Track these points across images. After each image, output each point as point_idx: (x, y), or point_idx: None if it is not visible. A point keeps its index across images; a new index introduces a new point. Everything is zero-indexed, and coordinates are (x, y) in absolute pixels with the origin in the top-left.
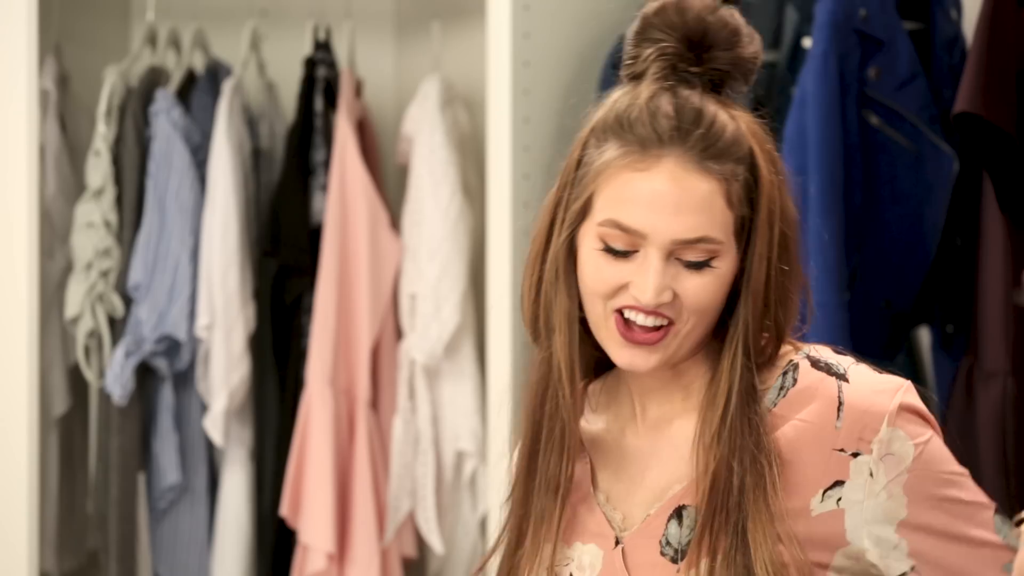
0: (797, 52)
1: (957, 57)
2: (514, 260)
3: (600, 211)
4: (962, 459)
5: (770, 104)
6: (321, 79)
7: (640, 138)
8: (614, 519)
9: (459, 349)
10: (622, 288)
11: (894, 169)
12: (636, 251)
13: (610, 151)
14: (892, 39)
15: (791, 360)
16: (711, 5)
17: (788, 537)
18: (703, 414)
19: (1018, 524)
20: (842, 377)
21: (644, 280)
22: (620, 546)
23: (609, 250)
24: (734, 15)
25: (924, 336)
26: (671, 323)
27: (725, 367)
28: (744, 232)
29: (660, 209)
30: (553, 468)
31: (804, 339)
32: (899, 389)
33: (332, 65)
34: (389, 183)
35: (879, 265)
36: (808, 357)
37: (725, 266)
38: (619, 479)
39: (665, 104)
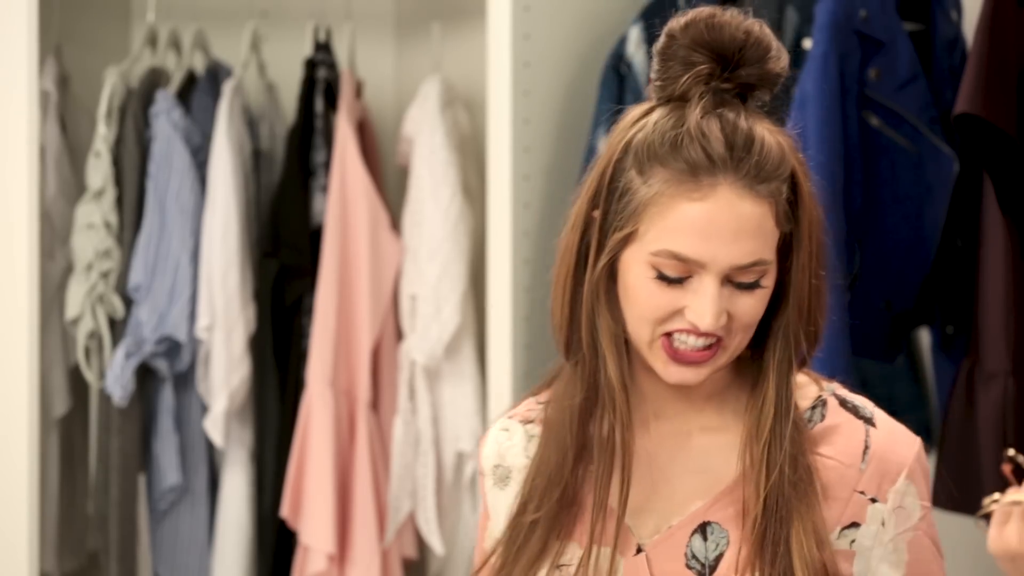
0: (797, 53)
1: (957, 58)
2: (514, 261)
3: (653, 241)
4: (963, 460)
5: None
6: (321, 80)
7: (691, 165)
8: (630, 525)
9: (459, 350)
10: (676, 313)
11: (894, 170)
12: (689, 276)
13: (657, 180)
14: (892, 40)
15: (820, 396)
16: (739, 19)
17: (829, 550)
18: (749, 424)
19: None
20: (869, 421)
21: (702, 307)
22: (643, 553)
23: (663, 277)
24: (763, 29)
25: (924, 337)
26: (719, 340)
27: (771, 377)
28: (784, 245)
29: (717, 238)
30: (604, 485)
31: None
32: (917, 443)
33: (332, 66)
34: (389, 184)
35: (879, 266)
36: (835, 395)
37: (770, 282)
38: (631, 484)
39: (715, 129)
